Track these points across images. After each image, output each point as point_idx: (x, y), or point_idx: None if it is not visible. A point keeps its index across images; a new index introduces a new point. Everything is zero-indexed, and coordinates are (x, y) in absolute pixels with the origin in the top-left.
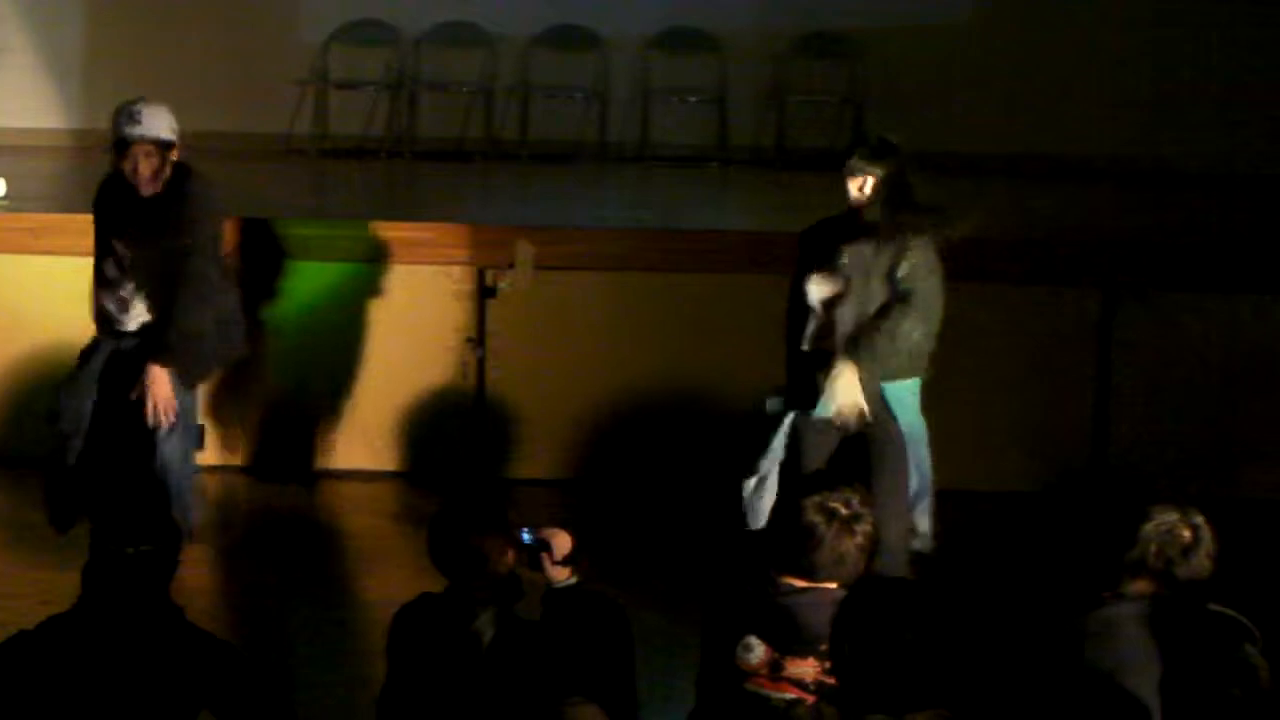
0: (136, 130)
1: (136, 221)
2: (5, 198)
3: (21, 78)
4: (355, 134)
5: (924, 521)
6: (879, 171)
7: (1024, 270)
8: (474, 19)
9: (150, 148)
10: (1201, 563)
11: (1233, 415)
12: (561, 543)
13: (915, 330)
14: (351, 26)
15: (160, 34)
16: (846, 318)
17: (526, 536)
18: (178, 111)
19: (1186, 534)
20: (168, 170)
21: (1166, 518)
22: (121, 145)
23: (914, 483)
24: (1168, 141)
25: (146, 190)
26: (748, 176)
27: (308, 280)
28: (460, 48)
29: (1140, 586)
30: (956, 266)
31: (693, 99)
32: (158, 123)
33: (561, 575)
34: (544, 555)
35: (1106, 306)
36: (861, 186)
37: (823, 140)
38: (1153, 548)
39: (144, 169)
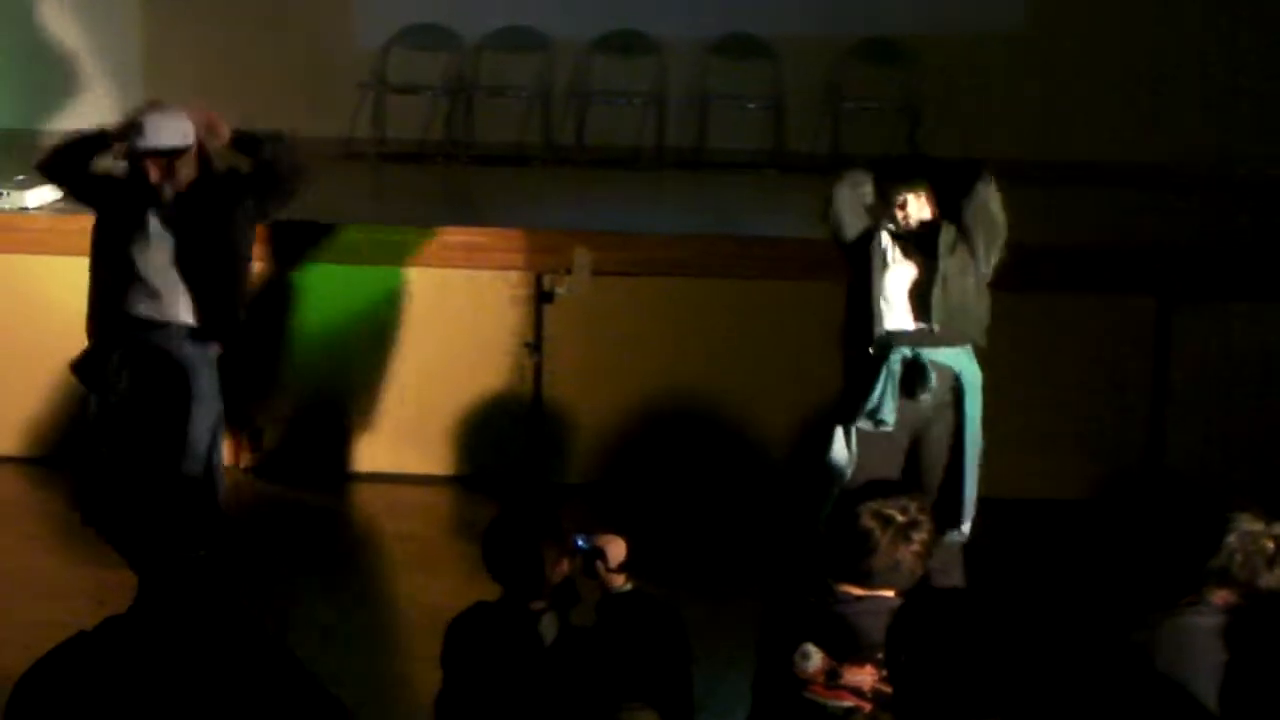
0: (141, 143)
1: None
2: (62, 200)
3: (81, 80)
4: (414, 138)
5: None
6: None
7: (1081, 278)
8: (532, 24)
9: (159, 158)
10: None
11: None
12: (616, 550)
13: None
14: (411, 31)
15: (219, 36)
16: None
17: (582, 543)
18: (237, 114)
19: (1270, 545)
20: (191, 169)
21: (1252, 529)
22: (132, 157)
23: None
24: (1224, 148)
25: (168, 195)
26: (804, 182)
27: (365, 285)
28: (519, 52)
29: (1223, 596)
30: (1011, 275)
31: (750, 104)
32: (163, 132)
33: (617, 582)
34: (599, 562)
35: (1162, 314)
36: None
37: (878, 147)
38: (1238, 558)
39: (154, 177)
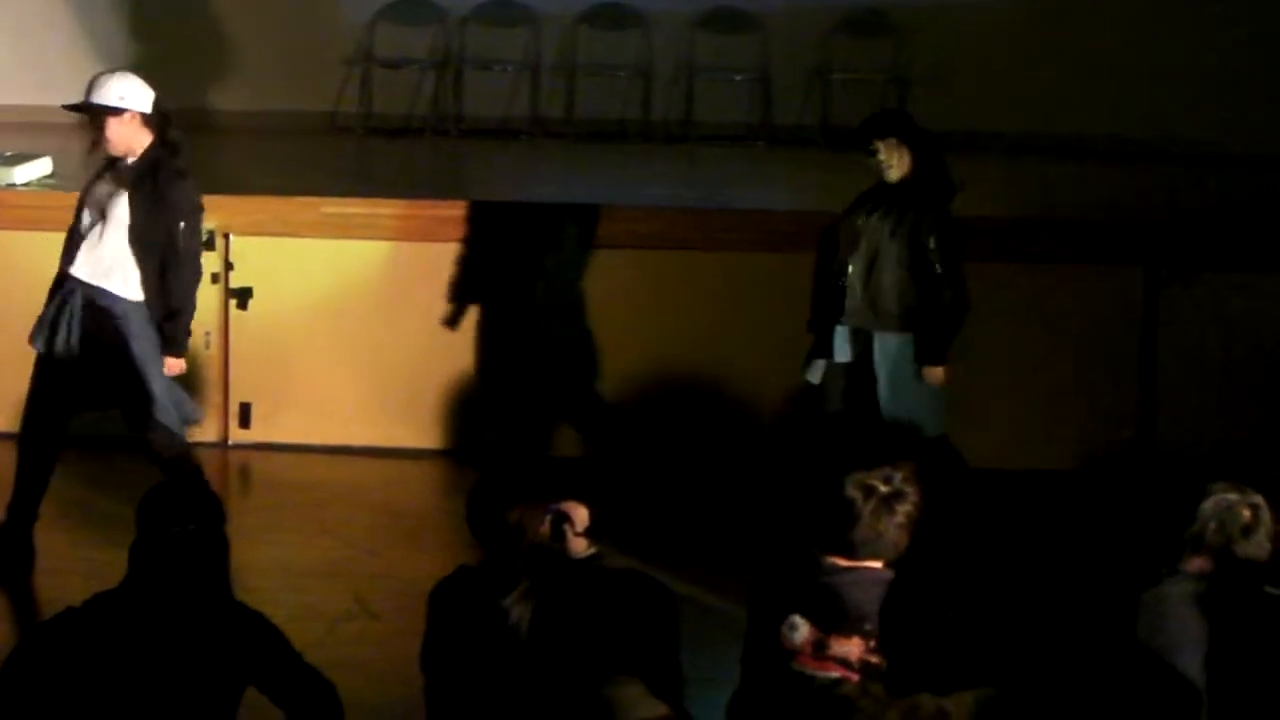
0: (86, 99)
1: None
2: (50, 176)
3: (66, 56)
4: (401, 112)
5: None
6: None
7: (1069, 250)
8: None
9: (95, 112)
10: (1261, 543)
11: (1277, 394)
12: (580, 515)
13: None
14: (397, 5)
15: (207, 12)
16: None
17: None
18: (224, 89)
19: (1247, 514)
20: (132, 136)
21: (1227, 497)
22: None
23: None
24: (1213, 121)
25: (111, 152)
26: (791, 155)
27: (353, 259)
28: (506, 26)
29: (1198, 564)
30: (1002, 247)
31: (737, 77)
32: (101, 90)
33: (581, 547)
34: (566, 526)
35: (1150, 286)
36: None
37: None
38: (1212, 525)
39: (94, 133)
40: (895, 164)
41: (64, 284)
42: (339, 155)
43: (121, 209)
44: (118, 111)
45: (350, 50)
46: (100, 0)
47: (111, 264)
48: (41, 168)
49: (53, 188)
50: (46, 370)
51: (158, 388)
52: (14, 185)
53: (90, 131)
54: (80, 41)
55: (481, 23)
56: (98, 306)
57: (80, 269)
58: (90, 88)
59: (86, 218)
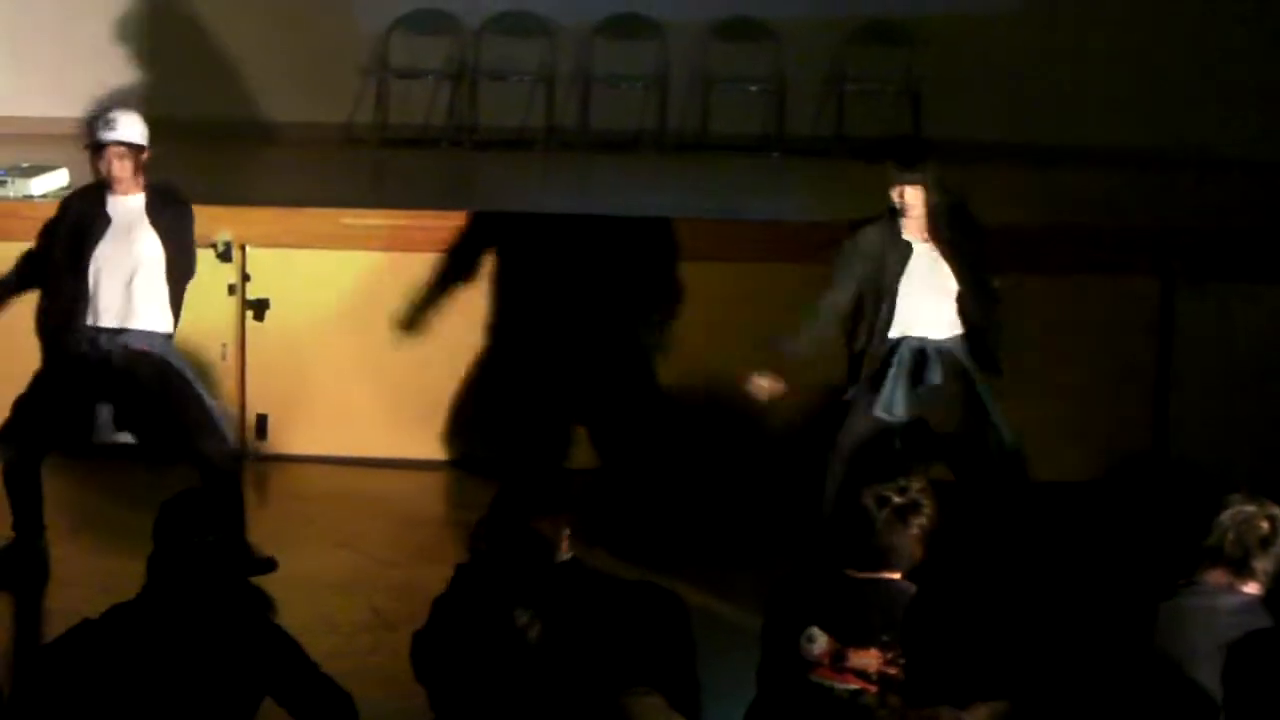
0: (111, 134)
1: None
2: (67, 188)
3: (84, 68)
4: (416, 123)
5: None
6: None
7: (1082, 260)
8: (534, 8)
9: (123, 150)
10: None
11: None
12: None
13: None
14: (413, 15)
15: (222, 22)
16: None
17: None
18: (239, 100)
19: (1265, 525)
20: (138, 173)
21: (1245, 508)
22: (97, 148)
23: None
24: (1226, 130)
25: (119, 190)
26: (806, 165)
27: (370, 270)
28: (521, 37)
29: (1216, 576)
30: (1016, 257)
31: (752, 88)
32: (130, 128)
33: (564, 549)
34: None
35: (1165, 296)
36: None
37: (881, 129)
38: (1230, 536)
39: (118, 170)
40: (916, 206)
41: (84, 336)
42: (354, 166)
43: (148, 247)
44: (143, 150)
45: (366, 60)
46: (117, 12)
47: (145, 303)
48: (58, 179)
49: None
50: (58, 395)
51: (213, 402)
52: (31, 197)
53: (114, 165)
54: (97, 53)
55: (497, 33)
56: (137, 351)
57: (109, 318)
58: (117, 124)
59: (100, 266)
